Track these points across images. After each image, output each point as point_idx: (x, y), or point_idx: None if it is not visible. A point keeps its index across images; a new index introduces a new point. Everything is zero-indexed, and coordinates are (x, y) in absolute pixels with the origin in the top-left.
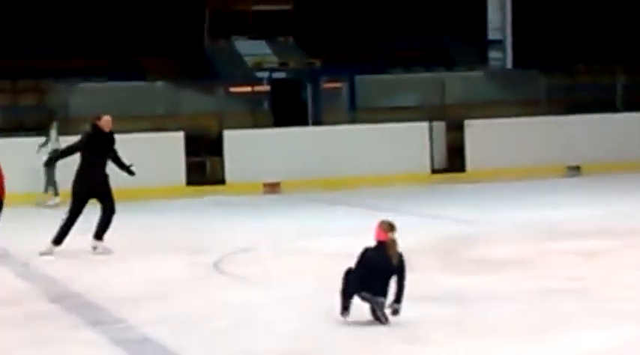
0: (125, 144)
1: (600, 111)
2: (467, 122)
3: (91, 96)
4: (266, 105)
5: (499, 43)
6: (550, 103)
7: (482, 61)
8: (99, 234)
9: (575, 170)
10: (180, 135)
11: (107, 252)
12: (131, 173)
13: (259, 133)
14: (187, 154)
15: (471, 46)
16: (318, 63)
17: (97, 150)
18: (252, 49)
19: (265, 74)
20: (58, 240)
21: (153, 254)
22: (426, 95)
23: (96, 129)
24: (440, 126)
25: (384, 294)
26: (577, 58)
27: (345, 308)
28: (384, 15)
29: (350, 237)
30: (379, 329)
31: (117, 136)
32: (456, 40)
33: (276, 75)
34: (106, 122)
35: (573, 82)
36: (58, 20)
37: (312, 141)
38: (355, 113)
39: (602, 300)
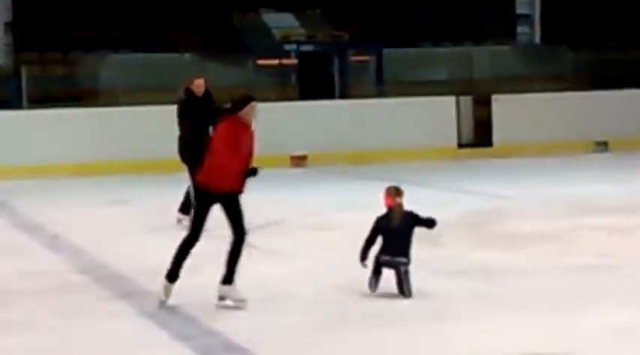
0: (152, 116)
1: (628, 86)
2: (494, 97)
3: (120, 68)
4: (293, 78)
5: (527, 18)
6: (578, 79)
7: (511, 35)
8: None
9: (602, 146)
10: None
11: None
12: None
13: (286, 106)
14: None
15: (499, 21)
16: (345, 36)
17: (194, 119)
18: (280, 22)
19: (293, 47)
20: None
21: (179, 226)
22: (453, 69)
23: (189, 93)
24: (467, 100)
25: (406, 255)
26: (605, 33)
27: (373, 282)
28: None
29: (377, 210)
30: (404, 304)
31: (145, 108)
32: (485, 15)
33: (304, 48)
34: (197, 86)
35: (601, 57)
36: None
37: (339, 115)
38: (382, 86)
39: (631, 276)
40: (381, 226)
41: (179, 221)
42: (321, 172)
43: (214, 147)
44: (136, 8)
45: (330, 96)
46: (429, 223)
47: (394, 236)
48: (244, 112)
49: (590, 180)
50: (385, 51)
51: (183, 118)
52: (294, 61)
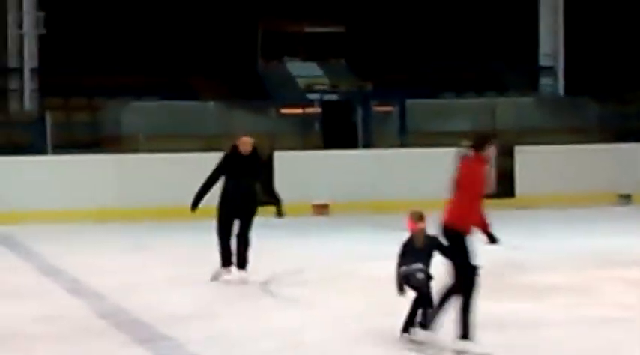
0: (177, 164)
1: None
2: (517, 148)
3: (143, 115)
4: (317, 127)
5: (550, 69)
6: (601, 131)
7: (534, 87)
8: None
9: (626, 198)
10: None
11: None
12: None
13: (309, 155)
14: None
15: (523, 72)
16: (369, 86)
17: (231, 173)
18: (303, 71)
19: (316, 96)
20: (223, 261)
21: (202, 273)
22: (476, 120)
23: (233, 150)
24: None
25: (424, 264)
26: (629, 85)
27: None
28: (436, 39)
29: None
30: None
31: (168, 155)
32: (508, 66)
33: (328, 97)
34: (243, 143)
35: (625, 109)
36: (111, 39)
37: (362, 164)
38: (405, 137)
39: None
40: (406, 250)
41: (242, 279)
42: (343, 221)
43: (465, 185)
44: (161, 56)
45: (353, 145)
46: (448, 252)
47: (416, 254)
48: (487, 150)
49: (613, 232)
50: (408, 101)
51: (219, 172)
52: (317, 109)
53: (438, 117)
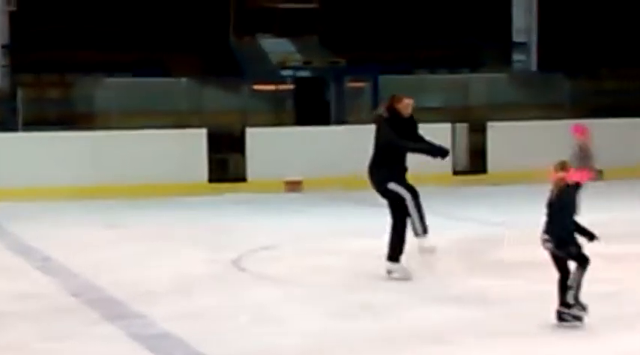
0: (148, 141)
1: (625, 115)
2: (490, 124)
3: (116, 92)
4: (289, 103)
5: (524, 45)
6: (574, 107)
7: (507, 63)
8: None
9: (597, 174)
10: (202, 132)
11: (406, 275)
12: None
13: (282, 131)
14: (210, 151)
15: (496, 48)
16: (342, 62)
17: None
18: (276, 48)
19: (289, 72)
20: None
21: (174, 250)
22: (449, 96)
23: (393, 112)
24: (463, 127)
25: (550, 233)
26: (602, 61)
27: None
28: (409, 15)
29: (371, 236)
30: (398, 330)
31: (141, 132)
32: (481, 42)
33: (300, 73)
34: (405, 105)
35: (598, 86)
36: (83, 15)
37: (335, 140)
38: None
39: (630, 304)
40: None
41: (389, 272)
42: (315, 198)
43: None
44: (133, 32)
45: (325, 121)
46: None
47: (553, 210)
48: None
49: (585, 208)
50: (381, 77)
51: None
52: (290, 86)
53: (410, 93)
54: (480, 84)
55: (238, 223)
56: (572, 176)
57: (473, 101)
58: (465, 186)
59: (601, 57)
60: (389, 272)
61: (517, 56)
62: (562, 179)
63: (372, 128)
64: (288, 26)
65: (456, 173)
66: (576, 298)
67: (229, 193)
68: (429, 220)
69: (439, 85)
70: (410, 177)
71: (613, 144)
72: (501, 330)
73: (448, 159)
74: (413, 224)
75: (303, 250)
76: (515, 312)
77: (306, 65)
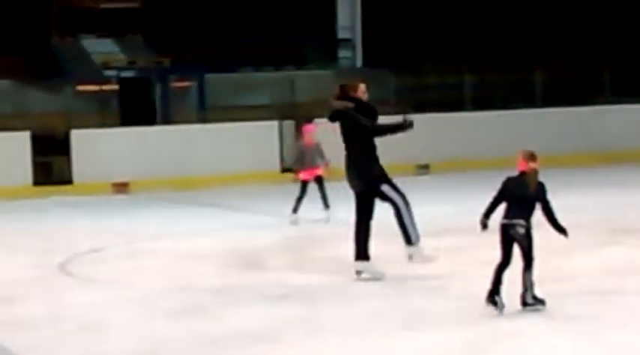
0: None
1: (448, 110)
2: (316, 121)
3: None
4: (114, 104)
5: (348, 42)
6: (398, 102)
7: (333, 59)
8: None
9: (424, 168)
10: (26, 135)
11: (375, 275)
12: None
13: (107, 132)
14: (34, 154)
15: (321, 45)
16: (166, 61)
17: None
18: (100, 47)
19: (113, 73)
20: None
21: None
22: (275, 94)
23: (355, 101)
24: (290, 124)
25: (526, 220)
26: (425, 57)
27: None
28: (234, 13)
29: (200, 236)
30: (225, 330)
31: None
32: (306, 39)
33: (125, 73)
34: (363, 91)
35: (421, 81)
36: None
37: (161, 141)
38: (205, 112)
39: (460, 298)
40: (510, 189)
41: (358, 273)
42: (143, 199)
43: None
44: None
45: (151, 122)
46: (548, 209)
47: (523, 203)
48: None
49: (418, 203)
50: (207, 76)
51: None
52: (114, 86)
53: (237, 91)
54: (306, 81)
55: (64, 226)
56: None
57: (299, 98)
58: (293, 183)
59: (424, 52)
60: (358, 272)
61: (342, 53)
62: (536, 170)
63: (197, 128)
64: (111, 25)
65: (284, 170)
66: (534, 296)
67: (55, 196)
68: (256, 219)
69: (265, 82)
70: (239, 175)
71: (437, 138)
72: (326, 328)
73: (276, 156)
74: (406, 232)
75: (129, 252)
76: (342, 309)
77: (130, 65)
